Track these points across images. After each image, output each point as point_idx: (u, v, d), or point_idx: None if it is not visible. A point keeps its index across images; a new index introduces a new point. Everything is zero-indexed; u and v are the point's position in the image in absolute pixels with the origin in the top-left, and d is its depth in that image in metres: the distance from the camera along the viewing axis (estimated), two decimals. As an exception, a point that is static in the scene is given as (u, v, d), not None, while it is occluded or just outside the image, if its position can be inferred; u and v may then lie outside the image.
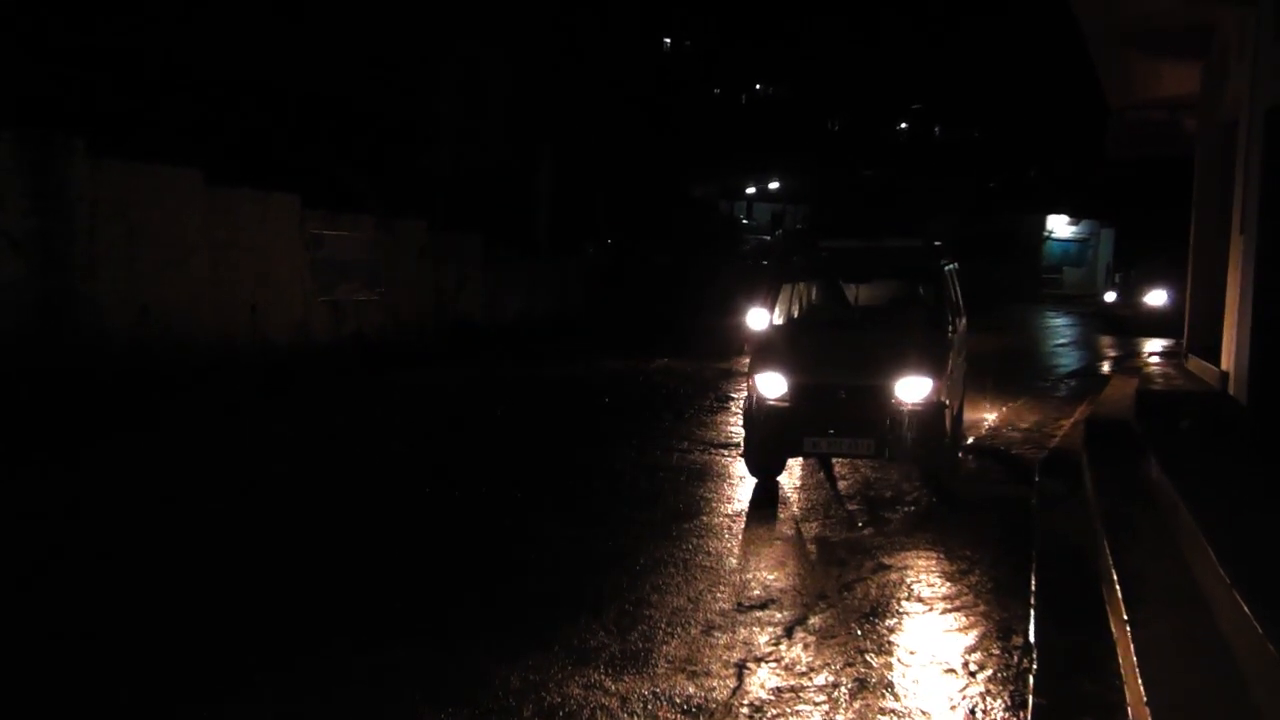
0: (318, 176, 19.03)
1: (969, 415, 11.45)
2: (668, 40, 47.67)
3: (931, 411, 8.05)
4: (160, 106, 17.49)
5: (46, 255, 12.74)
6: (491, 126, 26.76)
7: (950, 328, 8.92)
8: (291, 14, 20.04)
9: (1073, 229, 51.44)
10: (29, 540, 6.96)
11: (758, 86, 59.46)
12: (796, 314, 9.93)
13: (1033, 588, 5.97)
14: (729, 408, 13.15)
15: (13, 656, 4.97)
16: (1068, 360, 20.69)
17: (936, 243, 10.19)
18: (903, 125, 62.74)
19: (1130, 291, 27.12)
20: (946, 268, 9.53)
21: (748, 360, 15.96)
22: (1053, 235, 51.09)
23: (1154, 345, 20.83)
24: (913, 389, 8.05)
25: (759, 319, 16.69)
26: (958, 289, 9.71)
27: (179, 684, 4.69)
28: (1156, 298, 25.66)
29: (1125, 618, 4.84)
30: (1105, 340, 24.44)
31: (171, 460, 9.59)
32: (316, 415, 12.42)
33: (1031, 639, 5.23)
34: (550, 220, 28.31)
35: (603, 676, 4.80)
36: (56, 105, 15.25)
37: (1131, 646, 4.48)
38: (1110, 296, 28.77)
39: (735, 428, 11.41)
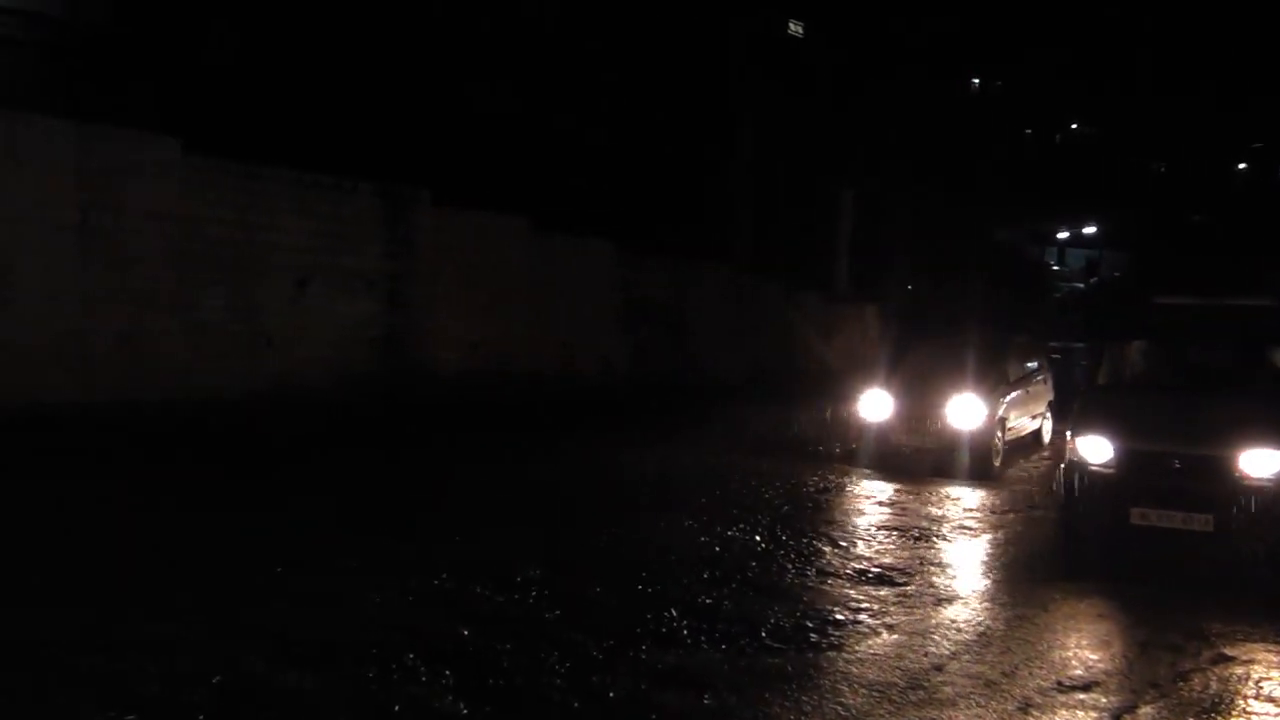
0: (627, 221, 19.90)
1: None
2: (976, 80, 46.21)
3: (1284, 489, 7.28)
4: (484, 154, 18.94)
5: (393, 295, 14.19)
6: (792, 171, 26.98)
7: (1310, 397, 8.05)
8: (594, 72, 21.16)
9: None
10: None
11: (1073, 126, 56.33)
12: (1125, 375, 9.28)
13: None
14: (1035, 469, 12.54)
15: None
16: None
17: (1293, 302, 9.23)
18: (1240, 166, 57.20)
19: None
20: (1305, 330, 8.63)
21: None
22: None
23: None
24: (1262, 462, 7.33)
25: (875, 404, 12.33)
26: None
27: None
28: None
29: None
30: None
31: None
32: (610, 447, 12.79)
33: None
34: (850, 265, 28.09)
35: (915, 746, 4.68)
36: (394, 153, 16.88)
37: None
38: None
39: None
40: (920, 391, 12.21)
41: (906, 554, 8.27)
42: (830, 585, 7.26)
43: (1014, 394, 12.74)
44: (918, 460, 12.04)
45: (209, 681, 4.94)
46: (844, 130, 27.27)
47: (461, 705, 4.88)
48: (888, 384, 12.70)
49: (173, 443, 10.58)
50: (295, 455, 10.67)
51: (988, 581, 7.69)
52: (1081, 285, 43.36)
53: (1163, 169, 54.63)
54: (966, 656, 5.91)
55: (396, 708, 4.82)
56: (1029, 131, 49.66)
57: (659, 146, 22.11)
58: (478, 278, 15.37)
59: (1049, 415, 14.46)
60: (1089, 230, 48.26)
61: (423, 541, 7.88)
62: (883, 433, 12.28)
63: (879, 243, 29.08)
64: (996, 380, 12.37)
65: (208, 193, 12.43)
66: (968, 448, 11.60)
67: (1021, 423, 13.17)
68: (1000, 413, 12.14)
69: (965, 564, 8.24)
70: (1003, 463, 12.32)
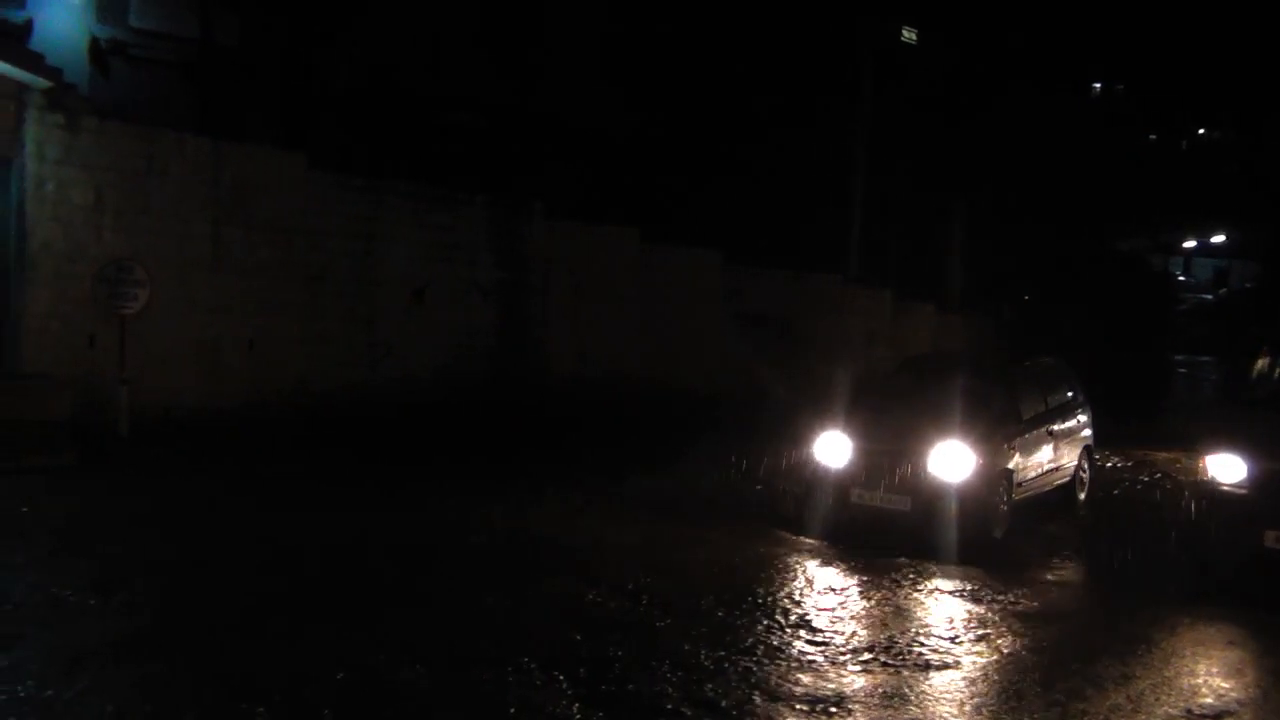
0: (735, 231, 19.86)
1: None
2: (1097, 85, 44.77)
3: None
4: (594, 166, 19.12)
5: (507, 304, 14.51)
6: (904, 180, 26.56)
7: None
8: (703, 82, 21.14)
9: None
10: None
11: (1200, 131, 54.07)
12: (1258, 390, 8.88)
13: None
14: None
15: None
16: None
17: None
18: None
19: None
20: None
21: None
22: None
23: None
24: None
25: (832, 448, 9.13)
26: None
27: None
28: None
29: None
30: None
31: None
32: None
33: None
34: (961, 275, 27.50)
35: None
36: (507, 166, 17.16)
37: None
38: None
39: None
40: (893, 435, 9.11)
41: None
42: (944, 602, 7.06)
43: (1028, 436, 9.64)
44: (886, 527, 8.84)
45: (333, 678, 5.12)
46: (958, 137, 26.74)
47: (575, 709, 4.94)
48: (849, 424, 9.41)
49: (296, 446, 10.98)
50: (411, 460, 10.97)
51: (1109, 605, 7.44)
52: (1209, 297, 41.62)
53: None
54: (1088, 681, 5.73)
55: (511, 710, 4.91)
56: (1153, 138, 47.91)
57: (769, 156, 22.04)
58: (588, 288, 15.56)
59: (1086, 465, 11.16)
60: (1217, 239, 46.21)
61: (536, 547, 8.03)
62: (842, 488, 9.08)
63: (993, 253, 28.43)
64: (1001, 418, 9.35)
65: (330, 206, 12.89)
66: (955, 512, 8.47)
67: (1041, 475, 9.99)
68: (1006, 463, 9.11)
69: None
70: (1010, 532, 9.16)
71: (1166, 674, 5.88)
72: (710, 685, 5.31)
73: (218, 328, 11.86)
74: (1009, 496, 9.16)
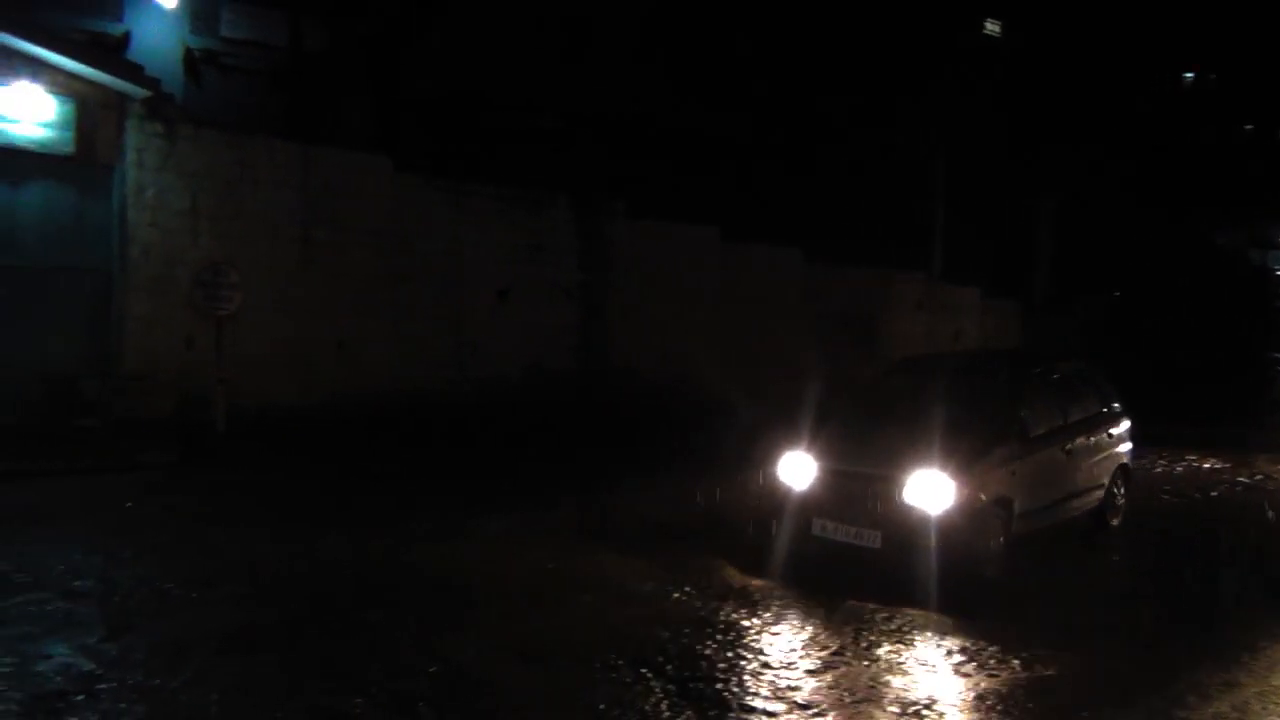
0: (816, 230, 19.68)
1: None
2: (1189, 75, 43.40)
3: None
4: (674, 164, 19.10)
5: (588, 304, 14.60)
6: (988, 175, 26.06)
7: None
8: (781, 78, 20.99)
9: None
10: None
11: (1300, 120, 52.02)
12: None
13: None
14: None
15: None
16: None
17: None
18: None
19: None
20: None
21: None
22: None
23: None
24: None
25: (795, 470, 7.75)
26: None
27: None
28: None
29: None
30: None
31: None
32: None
33: None
34: (1050, 272, 26.92)
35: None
36: (587, 166, 17.19)
37: None
38: None
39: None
40: (865, 457, 7.77)
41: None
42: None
43: (1038, 457, 8.14)
44: (852, 565, 7.34)
45: (426, 672, 5.21)
46: (1043, 131, 26.15)
47: (663, 706, 4.95)
48: (817, 442, 8.09)
49: (386, 445, 11.20)
50: (494, 460, 11.11)
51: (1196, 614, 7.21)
52: (1307, 291, 39.99)
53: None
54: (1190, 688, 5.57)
55: (601, 706, 4.94)
56: (1249, 128, 46.30)
57: (851, 154, 21.82)
58: (669, 287, 15.56)
59: (1120, 485, 9.53)
60: (1319, 232, 44.46)
61: (623, 544, 8.07)
62: (803, 518, 7.70)
63: (1082, 249, 27.76)
64: (1000, 437, 7.86)
65: (416, 208, 13.13)
66: (935, 548, 7.04)
67: (1055, 503, 8.44)
68: (1004, 491, 7.65)
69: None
70: (1008, 569, 7.54)
71: (1274, 682, 5.67)
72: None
73: (308, 328, 12.16)
74: (1008, 530, 7.69)
